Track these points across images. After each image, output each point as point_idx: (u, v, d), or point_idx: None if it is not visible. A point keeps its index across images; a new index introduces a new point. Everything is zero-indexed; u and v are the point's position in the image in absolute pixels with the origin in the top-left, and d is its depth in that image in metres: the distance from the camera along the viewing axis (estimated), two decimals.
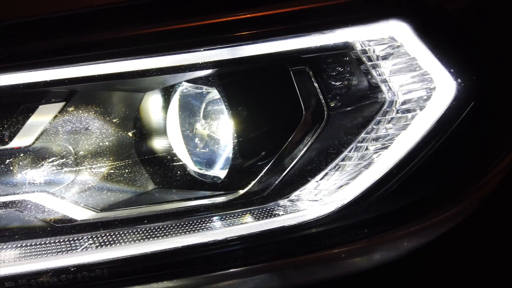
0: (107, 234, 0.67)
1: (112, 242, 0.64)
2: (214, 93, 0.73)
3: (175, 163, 0.76)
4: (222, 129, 0.72)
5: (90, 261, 0.62)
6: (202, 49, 0.62)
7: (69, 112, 0.72)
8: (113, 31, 0.62)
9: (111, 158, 0.75)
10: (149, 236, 0.66)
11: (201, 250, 0.66)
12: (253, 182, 0.69)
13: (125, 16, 0.63)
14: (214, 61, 0.62)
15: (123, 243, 0.64)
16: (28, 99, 0.69)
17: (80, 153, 0.74)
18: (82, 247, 0.65)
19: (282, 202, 0.68)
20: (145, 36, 0.62)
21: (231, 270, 0.64)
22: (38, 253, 0.67)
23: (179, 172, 0.77)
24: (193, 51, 0.62)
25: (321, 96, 0.65)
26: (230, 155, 0.70)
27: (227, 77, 0.68)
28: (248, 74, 0.68)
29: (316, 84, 0.65)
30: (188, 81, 0.72)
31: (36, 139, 0.70)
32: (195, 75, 0.72)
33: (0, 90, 0.65)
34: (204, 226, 0.67)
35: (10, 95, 0.68)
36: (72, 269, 0.62)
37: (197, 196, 0.73)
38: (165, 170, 0.77)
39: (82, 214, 0.72)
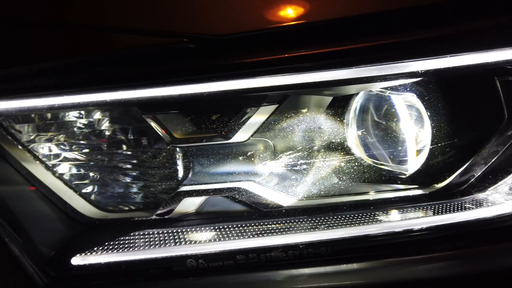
0: (315, 219, 0.78)
1: (335, 225, 0.75)
2: (405, 97, 0.82)
3: (362, 159, 0.86)
4: (413, 129, 0.81)
5: (316, 239, 0.73)
6: (409, 60, 0.72)
7: (279, 113, 0.83)
8: (335, 44, 0.73)
9: (311, 154, 0.86)
10: (355, 222, 0.76)
11: (398, 237, 0.75)
12: (452, 177, 0.78)
13: (344, 31, 0.74)
14: (426, 70, 0.71)
15: (343, 226, 0.75)
16: (248, 102, 0.81)
17: (282, 148, 0.86)
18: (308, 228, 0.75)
19: (478, 196, 0.76)
20: (364, 48, 0.72)
21: (433, 254, 0.73)
22: (262, 232, 0.79)
23: (367, 167, 0.86)
24: (405, 62, 0.72)
25: None
26: (422, 153, 0.79)
27: (426, 83, 0.78)
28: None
29: None
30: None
31: (251, 136, 0.82)
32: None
33: (226, 94, 0.78)
34: (403, 215, 0.77)
35: (234, 98, 0.81)
36: (300, 246, 0.73)
37: (391, 189, 0.82)
38: (354, 165, 0.87)
39: (286, 200, 0.84)
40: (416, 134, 0.80)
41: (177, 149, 0.88)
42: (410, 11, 0.73)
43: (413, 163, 0.81)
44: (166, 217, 0.89)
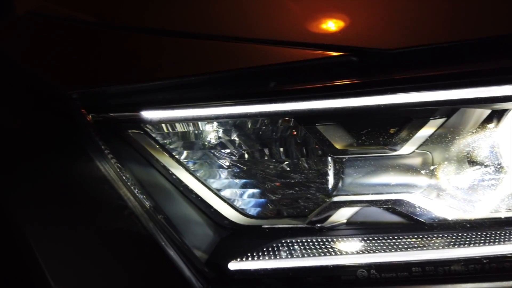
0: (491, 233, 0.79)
1: None
2: None
3: None
4: None
5: (502, 253, 0.73)
6: None
7: (447, 127, 0.84)
8: None
9: (474, 168, 0.86)
10: None
11: None
12: None
13: None
14: None
15: None
16: (417, 115, 0.82)
17: (442, 161, 0.86)
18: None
19: None
20: None
21: None
22: (432, 245, 0.80)
23: None
24: None
25: None
26: None
27: None
28: None
29: None
30: None
31: (416, 148, 0.83)
32: None
33: (393, 108, 0.79)
34: None
35: (405, 111, 0.82)
36: (484, 260, 0.73)
37: None
38: None
39: (451, 213, 0.84)
40: None
41: (329, 159, 0.90)
42: None
43: None
44: (318, 225, 0.91)
